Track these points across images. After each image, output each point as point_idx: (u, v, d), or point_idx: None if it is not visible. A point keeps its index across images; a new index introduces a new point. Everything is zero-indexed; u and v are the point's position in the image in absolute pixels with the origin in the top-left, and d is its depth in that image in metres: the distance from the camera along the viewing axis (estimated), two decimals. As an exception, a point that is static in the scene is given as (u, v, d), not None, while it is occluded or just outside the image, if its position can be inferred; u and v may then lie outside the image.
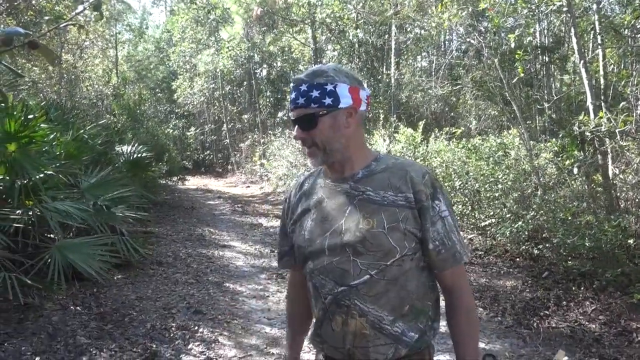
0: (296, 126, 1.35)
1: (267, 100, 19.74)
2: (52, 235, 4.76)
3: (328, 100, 1.31)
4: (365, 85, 1.41)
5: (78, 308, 4.18)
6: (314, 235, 1.37)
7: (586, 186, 5.90)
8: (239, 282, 5.45)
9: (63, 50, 12.58)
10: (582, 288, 4.73)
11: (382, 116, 10.88)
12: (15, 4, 7.44)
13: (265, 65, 20.78)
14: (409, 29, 13.47)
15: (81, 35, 13.49)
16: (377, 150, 1.51)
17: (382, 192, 1.31)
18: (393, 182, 1.32)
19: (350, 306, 1.28)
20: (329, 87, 1.31)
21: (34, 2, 8.26)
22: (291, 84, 1.37)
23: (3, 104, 3.91)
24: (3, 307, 3.96)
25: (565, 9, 6.03)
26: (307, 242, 1.38)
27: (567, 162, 5.96)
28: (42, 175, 4.51)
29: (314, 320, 1.46)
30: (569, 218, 5.18)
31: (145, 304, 4.46)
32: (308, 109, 1.31)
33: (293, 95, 1.34)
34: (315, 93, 1.30)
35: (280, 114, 18.23)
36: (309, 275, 1.40)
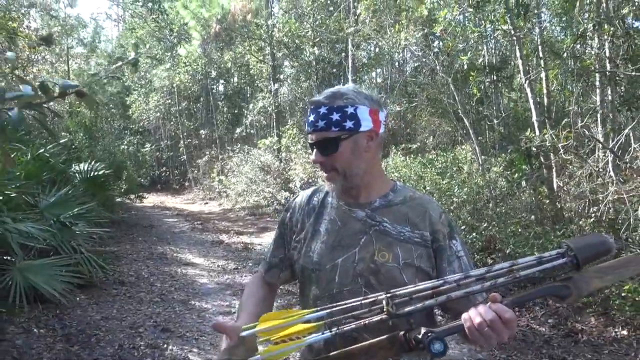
0: (314, 150, 1.28)
1: (224, 116, 19.75)
2: (9, 258, 4.66)
3: (349, 124, 1.25)
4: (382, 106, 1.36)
5: (42, 330, 4.12)
6: (323, 260, 1.31)
7: (533, 198, 6.29)
8: (205, 299, 5.48)
9: (16, 66, 12.23)
10: (532, 294, 5.05)
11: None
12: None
13: (222, 81, 20.81)
14: (364, 47, 13.90)
15: (32, 51, 13.18)
16: (393, 179, 1.45)
17: (398, 226, 1.29)
18: (411, 218, 1.29)
19: (358, 338, 1.17)
20: (350, 110, 1.25)
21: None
22: (309, 106, 1.32)
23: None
24: (-38, 332, 3.87)
25: (512, 31, 6.46)
26: (316, 265, 1.31)
27: (516, 175, 6.33)
28: (1, 197, 4.44)
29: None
30: (519, 230, 5.51)
31: (111, 324, 4.44)
32: (329, 133, 1.25)
33: (312, 118, 1.28)
34: (335, 116, 1.25)
35: (238, 130, 18.28)
36: (311, 300, 1.32)
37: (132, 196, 12.81)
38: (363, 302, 1.07)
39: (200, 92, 20.25)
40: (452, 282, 1.06)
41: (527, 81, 6.10)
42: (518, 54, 6.28)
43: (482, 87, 11.26)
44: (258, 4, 14.51)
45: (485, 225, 6.16)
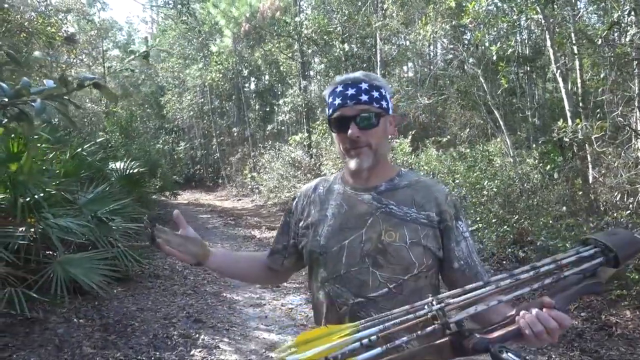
0: (352, 124, 1.27)
1: (256, 113, 19.98)
2: (50, 252, 4.88)
3: (384, 104, 1.31)
4: None
5: (81, 320, 4.31)
6: (330, 242, 1.32)
7: (567, 190, 6.15)
8: (236, 291, 5.60)
9: (53, 69, 12.73)
10: (565, 287, 4.96)
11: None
12: (8, 26, 7.59)
13: (253, 79, 21.05)
14: (394, 41, 13.82)
15: (70, 54, 13.68)
16: (398, 165, 1.39)
17: (405, 207, 1.30)
18: (417, 200, 1.31)
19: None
20: (383, 92, 1.32)
21: (26, 24, 8.42)
22: (341, 83, 1.32)
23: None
24: (8, 321, 4.08)
25: (542, 20, 6.33)
26: (323, 248, 1.33)
27: (548, 167, 6.21)
28: (42, 193, 4.65)
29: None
30: (550, 222, 5.41)
31: (146, 315, 4.60)
32: (371, 107, 1.28)
33: (352, 92, 1.28)
34: (376, 94, 1.29)
35: (269, 127, 18.47)
36: (319, 283, 1.34)
37: (167, 193, 13.13)
38: (410, 312, 1.01)
39: (232, 91, 20.53)
40: (493, 283, 1.03)
41: (559, 70, 5.97)
42: (549, 43, 6.14)
43: (516, 78, 11.05)
44: (286, 1, 14.59)
45: (516, 217, 6.07)
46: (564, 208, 5.69)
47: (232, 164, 19.35)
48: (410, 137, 9.11)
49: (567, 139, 5.67)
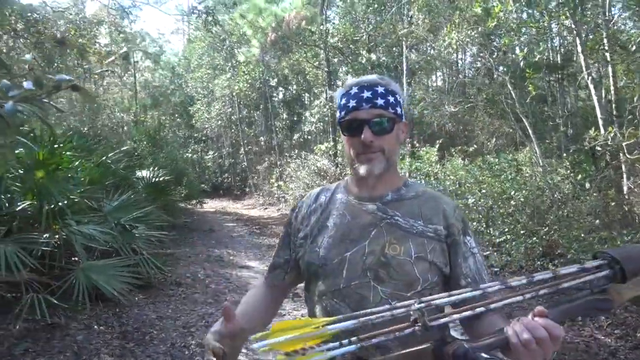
0: (365, 127, 1.21)
1: (283, 122, 20.07)
2: (73, 259, 4.95)
3: (399, 110, 1.26)
4: None
5: (101, 327, 4.33)
6: (330, 254, 1.25)
7: (600, 201, 5.92)
8: (257, 301, 5.55)
9: (85, 80, 13.07)
10: (597, 303, 4.74)
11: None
12: (42, 38, 7.81)
13: (281, 89, 21.20)
14: (421, 49, 13.70)
15: (102, 65, 14.03)
16: (404, 174, 1.32)
17: (411, 220, 1.23)
18: (424, 212, 1.25)
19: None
20: (398, 97, 1.27)
21: (59, 35, 8.66)
22: (356, 85, 1.27)
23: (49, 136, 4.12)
24: (31, 327, 4.13)
25: (572, 25, 6.15)
26: (322, 259, 1.25)
27: (579, 177, 5.99)
28: (66, 201, 4.73)
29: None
30: (582, 235, 5.21)
31: (166, 323, 4.59)
32: (386, 112, 1.23)
33: (368, 95, 1.23)
34: (391, 99, 1.24)
35: (296, 136, 18.51)
36: (317, 297, 1.26)
37: (194, 201, 13.27)
38: (393, 312, 0.97)
39: (259, 100, 20.69)
40: (482, 290, 0.98)
41: (590, 77, 5.77)
42: (579, 48, 5.95)
43: (547, 86, 10.77)
44: (312, 11, 14.66)
45: (546, 229, 5.86)
46: (597, 220, 5.46)
47: (259, 173, 19.43)
48: (437, 145, 8.96)
49: (599, 148, 5.46)
